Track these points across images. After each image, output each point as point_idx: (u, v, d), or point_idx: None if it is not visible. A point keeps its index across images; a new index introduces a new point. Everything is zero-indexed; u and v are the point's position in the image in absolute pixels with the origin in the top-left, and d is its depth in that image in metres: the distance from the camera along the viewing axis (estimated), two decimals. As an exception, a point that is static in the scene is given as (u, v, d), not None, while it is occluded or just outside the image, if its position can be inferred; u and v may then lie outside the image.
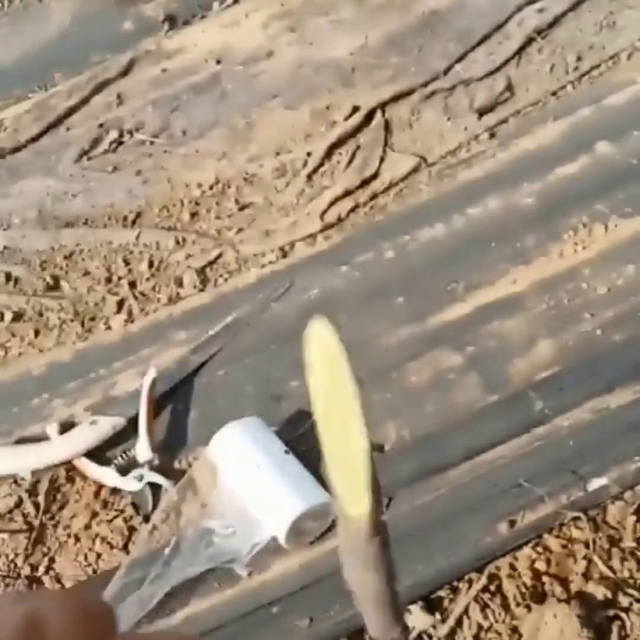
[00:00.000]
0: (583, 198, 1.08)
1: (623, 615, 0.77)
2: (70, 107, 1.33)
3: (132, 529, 0.88)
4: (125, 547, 0.87)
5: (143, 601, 0.81)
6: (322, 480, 0.81)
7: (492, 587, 0.80)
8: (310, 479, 0.84)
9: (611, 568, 0.79)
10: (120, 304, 1.09)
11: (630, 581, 0.79)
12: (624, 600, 0.77)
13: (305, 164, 1.20)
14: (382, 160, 1.19)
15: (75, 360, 1.04)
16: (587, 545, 0.81)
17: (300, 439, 0.89)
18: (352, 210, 1.13)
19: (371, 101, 1.25)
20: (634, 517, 0.82)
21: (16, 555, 0.88)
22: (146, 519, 0.88)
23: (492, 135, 1.19)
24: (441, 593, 0.81)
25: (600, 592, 0.78)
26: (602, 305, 0.99)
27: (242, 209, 1.17)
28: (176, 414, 0.97)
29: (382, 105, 1.25)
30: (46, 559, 0.88)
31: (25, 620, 0.25)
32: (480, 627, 0.78)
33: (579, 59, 1.26)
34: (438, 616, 0.79)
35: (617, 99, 1.20)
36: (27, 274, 1.14)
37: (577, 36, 1.29)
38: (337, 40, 1.35)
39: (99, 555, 0.87)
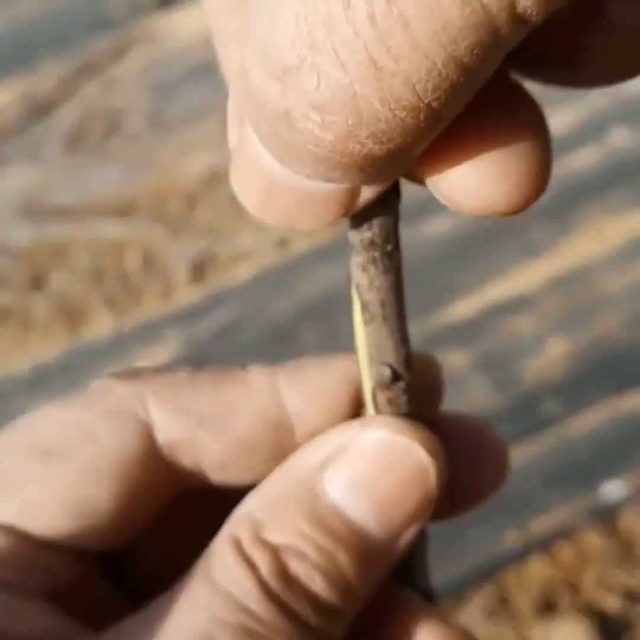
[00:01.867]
0: (597, 189, 1.09)
1: (637, 627, 0.77)
2: (57, 94, 1.34)
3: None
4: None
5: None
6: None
7: (500, 597, 0.81)
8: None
9: (625, 578, 0.80)
10: (111, 300, 1.09)
11: (645, 591, 0.79)
12: (638, 612, 0.78)
13: (304, 153, 1.21)
14: (385, 149, 1.19)
15: (62, 359, 1.04)
16: (599, 554, 0.81)
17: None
18: (354, 201, 1.14)
19: (374, 87, 1.25)
20: (649, 524, 0.83)
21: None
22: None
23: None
24: (446, 602, 0.81)
25: (613, 602, 0.78)
26: (617, 302, 0.99)
27: (238, 200, 1.18)
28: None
29: (386, 92, 1.25)
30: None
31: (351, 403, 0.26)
32: (487, 638, 0.79)
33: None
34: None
35: (633, 83, 1.20)
36: (11, 269, 1.15)
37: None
38: (338, 22, 1.36)
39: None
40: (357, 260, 0.23)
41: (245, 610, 0.22)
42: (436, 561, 0.87)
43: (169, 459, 0.25)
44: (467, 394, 0.94)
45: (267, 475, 0.26)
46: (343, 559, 0.23)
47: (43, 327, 1.08)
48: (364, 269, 0.23)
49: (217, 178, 1.20)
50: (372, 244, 0.22)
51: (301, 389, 0.27)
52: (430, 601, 0.28)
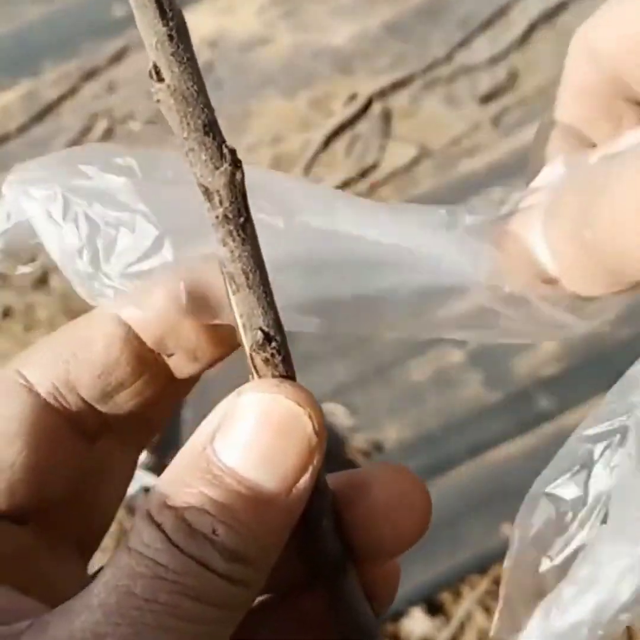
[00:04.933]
0: (589, 189, 1.08)
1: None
2: (59, 96, 1.33)
3: (125, 533, 0.88)
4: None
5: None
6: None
7: (496, 590, 0.81)
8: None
9: (618, 570, 0.80)
10: (112, 299, 1.09)
11: (638, 583, 0.79)
12: (631, 603, 0.78)
13: (302, 153, 1.20)
14: (381, 149, 1.19)
15: (65, 357, 1.04)
16: (593, 546, 0.81)
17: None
18: (351, 201, 1.14)
19: (370, 89, 1.25)
20: (641, 517, 0.83)
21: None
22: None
23: (495, 125, 1.19)
24: (443, 595, 0.81)
25: (607, 594, 0.78)
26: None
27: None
28: (170, 412, 0.97)
29: (382, 93, 1.25)
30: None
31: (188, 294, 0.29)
32: (483, 630, 0.79)
33: (584, 45, 1.26)
34: (440, 619, 0.80)
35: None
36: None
37: (583, 22, 1.29)
38: (334, 26, 1.36)
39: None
40: (217, 236, 0.25)
41: (156, 563, 0.24)
42: (431, 555, 0.87)
43: (57, 406, 0.29)
44: (462, 391, 0.94)
45: (149, 402, 0.30)
46: (241, 508, 0.25)
47: (46, 326, 1.08)
48: (224, 243, 0.25)
49: (216, 179, 1.20)
50: (226, 218, 0.24)
51: (135, 299, 0.29)
52: (341, 565, 0.29)
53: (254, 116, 1.26)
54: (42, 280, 1.12)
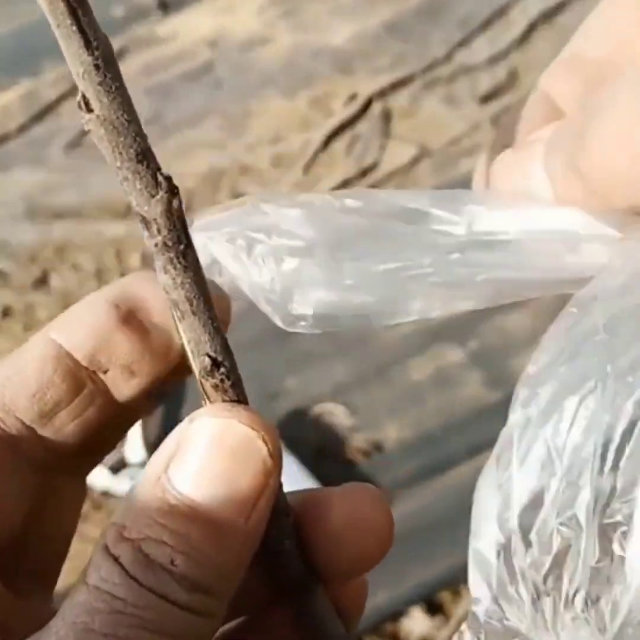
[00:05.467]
0: (589, 189, 1.08)
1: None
2: (59, 96, 1.33)
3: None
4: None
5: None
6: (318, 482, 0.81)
7: (496, 590, 0.81)
8: (309, 480, 0.84)
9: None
10: (112, 299, 1.09)
11: None
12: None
13: (302, 153, 1.20)
14: (381, 149, 1.19)
15: (65, 357, 1.04)
16: (593, 546, 0.81)
17: (297, 439, 0.89)
18: (351, 201, 1.14)
19: (370, 89, 1.25)
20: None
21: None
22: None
23: (495, 125, 1.19)
24: (443, 595, 0.81)
25: (607, 594, 0.78)
26: (608, 299, 0.99)
27: (236, 199, 1.17)
28: (169, 411, 0.97)
29: (382, 93, 1.25)
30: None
31: (116, 310, 0.29)
32: (483, 630, 0.79)
33: (584, 45, 1.26)
34: (440, 619, 0.80)
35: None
36: (15, 268, 1.15)
37: (583, 22, 1.29)
38: (335, 26, 1.36)
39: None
40: (158, 264, 0.24)
41: (114, 597, 0.24)
42: (431, 554, 0.87)
43: None
44: (461, 390, 0.94)
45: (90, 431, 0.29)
46: (199, 537, 0.24)
47: (46, 325, 1.08)
48: (165, 271, 0.24)
49: (216, 178, 1.20)
50: (165, 246, 0.24)
51: (63, 321, 0.29)
52: (305, 583, 0.29)
53: (254, 116, 1.26)
54: (42, 280, 1.12)
